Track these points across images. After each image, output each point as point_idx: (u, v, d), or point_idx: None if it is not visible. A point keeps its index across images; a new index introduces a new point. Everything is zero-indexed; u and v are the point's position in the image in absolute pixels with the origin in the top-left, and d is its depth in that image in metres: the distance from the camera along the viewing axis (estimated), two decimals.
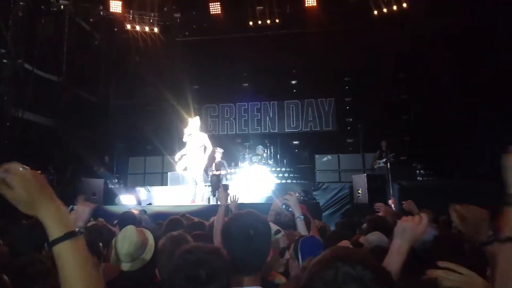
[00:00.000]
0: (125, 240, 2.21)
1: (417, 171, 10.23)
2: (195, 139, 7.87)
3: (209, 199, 7.75)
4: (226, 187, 3.07)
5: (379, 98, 12.00)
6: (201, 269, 1.30)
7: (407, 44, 11.56)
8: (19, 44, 9.05)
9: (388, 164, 9.23)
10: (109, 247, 2.53)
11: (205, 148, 7.95)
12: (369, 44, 11.88)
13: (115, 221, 4.00)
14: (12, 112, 8.70)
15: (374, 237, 2.45)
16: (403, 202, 4.16)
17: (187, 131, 8.01)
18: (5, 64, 8.65)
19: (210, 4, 11.80)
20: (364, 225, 3.21)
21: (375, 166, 10.03)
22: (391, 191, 8.61)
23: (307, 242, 2.04)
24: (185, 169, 7.99)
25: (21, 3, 9.06)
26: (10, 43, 8.79)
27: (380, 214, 4.00)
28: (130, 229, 2.28)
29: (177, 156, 8.12)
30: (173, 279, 1.32)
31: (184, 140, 8.05)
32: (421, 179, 10.08)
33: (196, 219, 3.99)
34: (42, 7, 10.29)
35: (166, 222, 3.49)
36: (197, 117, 8.33)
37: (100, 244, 2.55)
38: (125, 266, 2.19)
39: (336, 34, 12.20)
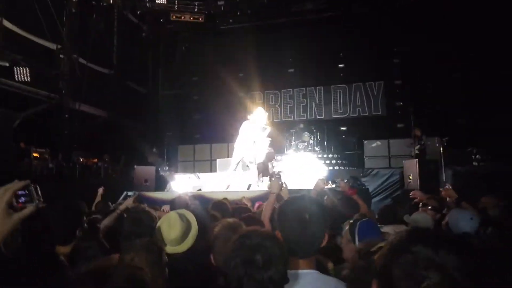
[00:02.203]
0: (171, 226, 2.27)
1: (473, 156, 9.64)
2: (256, 132, 7.63)
3: (249, 186, 7.70)
4: (279, 176, 3.09)
5: (430, 79, 11.35)
6: (258, 254, 1.28)
7: (460, 22, 10.76)
8: (74, 39, 9.51)
9: (441, 149, 8.79)
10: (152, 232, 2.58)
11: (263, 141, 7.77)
12: (418, 24, 11.20)
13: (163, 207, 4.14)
14: (70, 105, 9.23)
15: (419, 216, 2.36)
16: (441, 189, 3.96)
17: (250, 124, 7.55)
18: (62, 59, 9.13)
19: None
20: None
21: (412, 154, 9.61)
22: (444, 177, 8.20)
23: (365, 225, 1.99)
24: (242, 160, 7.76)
25: (73, 0, 9.50)
26: (66, 39, 9.26)
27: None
28: (173, 215, 2.34)
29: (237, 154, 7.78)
30: (230, 264, 1.31)
31: (242, 132, 7.60)
32: (477, 164, 9.49)
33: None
34: (93, 2, 10.74)
35: (210, 206, 3.53)
36: (261, 109, 7.79)
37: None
38: (170, 250, 2.23)
39: (383, 14, 11.64)
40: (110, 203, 4.16)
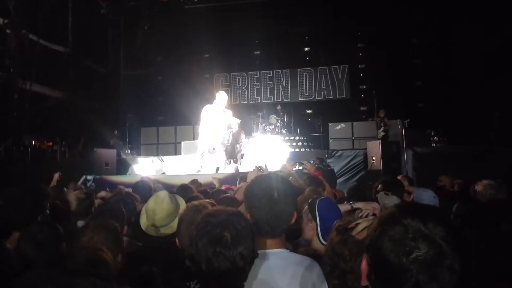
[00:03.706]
0: (158, 205, 2.20)
1: (432, 138, 10.09)
2: (220, 116, 7.54)
3: (217, 168, 7.64)
4: (260, 168, 3.10)
5: (392, 64, 11.65)
6: (225, 231, 1.24)
7: (421, 9, 11.07)
8: (23, 13, 8.79)
9: (403, 131, 9.10)
10: (135, 215, 2.53)
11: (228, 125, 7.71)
12: (382, 10, 11.40)
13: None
14: (20, 84, 8.59)
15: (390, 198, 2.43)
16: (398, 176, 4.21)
17: (213, 108, 7.53)
18: (8, 34, 8.44)
19: None
20: (379, 186, 3.20)
21: (378, 136, 9.93)
22: (405, 158, 8.51)
23: (324, 203, 1.96)
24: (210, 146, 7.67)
25: None
26: (13, 13, 8.54)
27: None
28: (163, 195, 2.26)
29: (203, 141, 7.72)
30: (197, 244, 1.25)
31: (206, 116, 7.47)
32: (435, 145, 9.94)
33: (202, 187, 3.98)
34: None
35: (176, 190, 3.46)
36: (224, 93, 7.71)
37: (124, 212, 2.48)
38: (156, 231, 2.18)
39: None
40: (65, 188, 3.92)
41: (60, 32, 10.49)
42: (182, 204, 2.32)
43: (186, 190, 3.40)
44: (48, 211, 2.54)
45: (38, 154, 8.21)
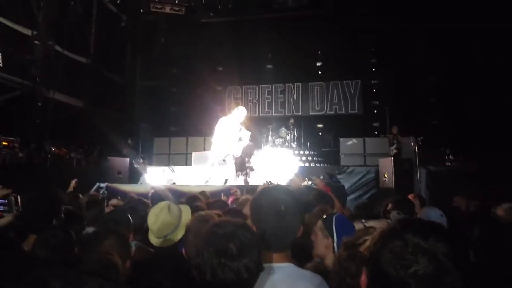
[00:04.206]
0: (157, 216, 2.21)
1: (446, 156, 9.93)
2: (234, 130, 7.65)
3: (226, 180, 7.74)
4: (270, 183, 3.14)
5: (406, 80, 11.61)
6: (231, 243, 1.25)
7: (436, 23, 11.02)
8: (50, 25, 9.19)
9: (416, 148, 9.01)
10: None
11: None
12: (396, 25, 11.42)
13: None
14: (44, 93, 8.93)
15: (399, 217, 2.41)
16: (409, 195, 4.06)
17: (228, 121, 7.58)
18: (37, 45, 8.82)
19: None
20: (390, 205, 3.18)
21: (391, 154, 9.82)
22: (418, 176, 8.39)
23: (341, 219, 1.96)
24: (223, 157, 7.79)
25: None
26: (41, 25, 8.95)
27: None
28: (161, 206, 2.27)
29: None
30: (203, 255, 1.27)
31: (220, 128, 7.61)
32: (450, 164, 9.78)
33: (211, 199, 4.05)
34: None
35: (184, 200, 3.53)
36: (243, 108, 7.82)
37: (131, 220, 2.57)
38: (156, 242, 2.21)
39: (362, 15, 11.81)
40: (80, 195, 4.08)
41: (83, 44, 10.87)
42: (187, 214, 2.34)
43: (194, 200, 3.50)
44: (63, 216, 2.66)
45: (56, 161, 8.46)
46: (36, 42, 8.79)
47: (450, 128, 11.36)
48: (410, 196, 3.94)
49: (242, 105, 13.32)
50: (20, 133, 7.93)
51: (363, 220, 2.01)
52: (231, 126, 7.60)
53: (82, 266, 1.61)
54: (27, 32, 8.75)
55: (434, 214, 2.95)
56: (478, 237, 2.42)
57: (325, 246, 1.89)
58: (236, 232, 1.29)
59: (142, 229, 2.56)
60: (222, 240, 1.27)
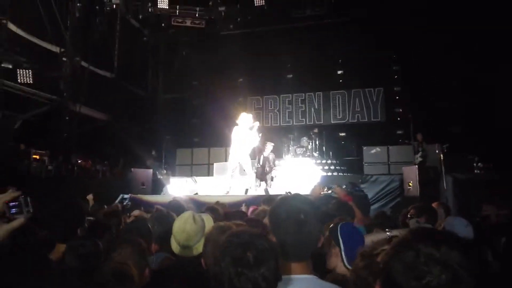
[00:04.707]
0: (183, 227, 2.22)
1: (474, 164, 9.59)
2: (245, 137, 7.78)
3: (247, 190, 7.76)
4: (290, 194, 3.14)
5: (429, 86, 11.37)
6: (248, 252, 1.24)
7: (459, 27, 10.77)
8: (76, 43, 9.58)
9: (441, 156, 8.77)
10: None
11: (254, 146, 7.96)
12: (418, 31, 11.24)
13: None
14: (71, 107, 9.27)
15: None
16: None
17: (238, 129, 7.77)
18: (64, 62, 9.19)
19: None
20: (411, 211, 3.11)
21: (415, 162, 9.58)
22: (444, 184, 8.15)
23: (346, 227, 1.95)
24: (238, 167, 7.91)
25: (78, 4, 9.58)
26: (68, 42, 9.34)
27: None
28: (186, 216, 2.27)
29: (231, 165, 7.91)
30: (220, 264, 1.26)
31: (233, 137, 7.83)
32: (478, 172, 9.44)
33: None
34: (97, 7, 10.83)
35: (204, 210, 3.54)
36: (244, 114, 7.99)
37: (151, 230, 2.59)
38: (179, 250, 2.23)
39: (381, 21, 11.69)
40: (105, 206, 4.17)
41: (107, 58, 11.25)
42: (209, 222, 2.33)
43: (213, 211, 3.50)
44: (86, 225, 2.73)
45: (82, 173, 8.73)
46: (64, 59, 9.16)
47: (476, 134, 11.01)
48: (434, 204, 3.85)
49: (262, 115, 13.61)
50: (49, 146, 8.23)
51: (387, 230, 1.98)
52: (241, 135, 7.75)
53: (95, 276, 1.64)
54: (55, 49, 9.13)
55: (458, 223, 2.88)
56: (504, 247, 2.32)
57: (334, 255, 1.88)
58: (252, 241, 1.28)
59: (166, 240, 2.58)
60: (239, 249, 1.25)
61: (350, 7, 11.89)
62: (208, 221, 2.37)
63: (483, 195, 6.46)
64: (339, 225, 1.97)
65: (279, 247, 1.38)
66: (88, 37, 10.04)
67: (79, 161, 8.78)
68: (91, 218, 3.31)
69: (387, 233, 1.95)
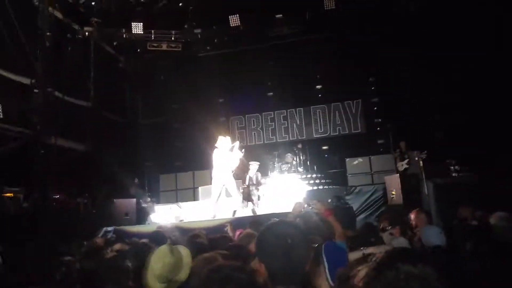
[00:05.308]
0: (158, 261, 2.15)
1: (451, 167, 9.79)
2: (223, 159, 7.76)
3: (234, 212, 7.68)
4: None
5: (406, 96, 11.64)
6: (227, 287, 1.27)
7: (430, 40, 11.12)
8: (48, 73, 9.35)
9: (421, 162, 8.90)
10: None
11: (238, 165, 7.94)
12: (391, 43, 11.55)
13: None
14: (45, 140, 8.97)
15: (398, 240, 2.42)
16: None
17: (218, 152, 7.81)
18: (36, 93, 8.93)
19: (229, 17, 11.87)
20: (383, 223, 3.18)
21: (400, 169, 9.73)
22: (425, 190, 8.29)
23: (330, 246, 1.99)
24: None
25: (47, 33, 9.39)
26: (40, 73, 9.10)
27: None
28: (163, 249, 2.21)
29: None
30: None
31: (213, 161, 7.86)
32: (456, 175, 9.64)
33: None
34: (68, 35, 10.69)
35: (187, 238, 3.43)
36: (221, 137, 8.00)
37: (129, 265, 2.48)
38: (160, 287, 2.14)
39: (356, 36, 11.99)
40: (84, 243, 3.99)
41: (82, 87, 11.05)
42: (186, 255, 2.27)
43: (196, 238, 3.39)
44: (63, 269, 2.57)
45: (62, 208, 8.41)
46: (35, 90, 8.89)
47: (453, 140, 11.25)
48: (413, 212, 3.95)
49: (245, 134, 13.60)
50: (24, 183, 7.92)
51: (362, 248, 2.05)
52: (222, 157, 7.76)
53: None
54: (26, 81, 8.87)
55: (432, 233, 3.09)
56: (470, 252, 2.52)
57: (318, 274, 1.90)
58: (232, 275, 1.31)
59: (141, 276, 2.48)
60: (219, 285, 1.28)
61: (326, 25, 12.12)
62: (185, 251, 2.30)
63: (461, 198, 6.63)
64: (323, 245, 2.00)
65: (266, 273, 1.42)
66: (61, 66, 9.82)
67: (57, 196, 8.44)
68: (69, 258, 3.15)
69: (362, 251, 2.02)
